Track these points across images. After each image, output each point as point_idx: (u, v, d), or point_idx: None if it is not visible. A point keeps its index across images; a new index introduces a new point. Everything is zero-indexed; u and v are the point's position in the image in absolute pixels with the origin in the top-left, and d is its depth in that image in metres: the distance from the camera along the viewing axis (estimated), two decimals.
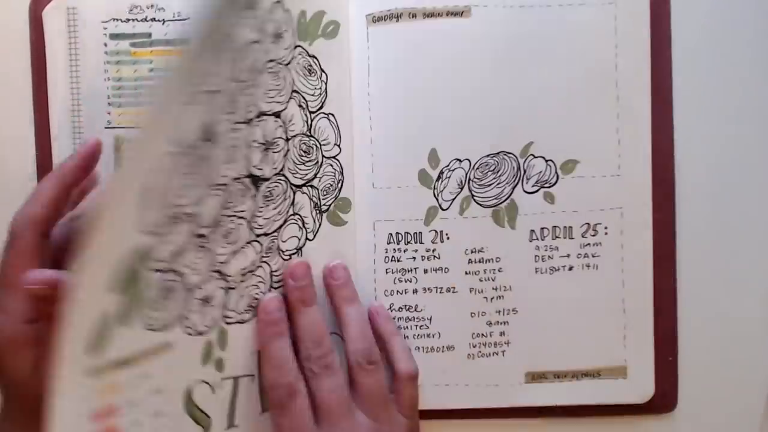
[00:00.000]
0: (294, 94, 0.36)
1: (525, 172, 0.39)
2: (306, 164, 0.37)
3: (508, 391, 0.40)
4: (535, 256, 0.39)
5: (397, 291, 0.39)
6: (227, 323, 0.34)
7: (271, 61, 0.34)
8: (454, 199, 0.39)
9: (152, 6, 0.39)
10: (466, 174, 0.39)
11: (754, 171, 0.41)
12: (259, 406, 0.37)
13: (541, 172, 0.39)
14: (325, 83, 0.38)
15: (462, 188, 0.39)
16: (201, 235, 0.31)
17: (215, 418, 0.35)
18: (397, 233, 0.39)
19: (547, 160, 0.39)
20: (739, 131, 0.40)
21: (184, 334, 0.32)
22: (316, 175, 0.38)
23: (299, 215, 0.37)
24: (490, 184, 0.39)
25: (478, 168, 0.39)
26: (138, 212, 0.27)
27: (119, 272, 0.27)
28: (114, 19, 0.39)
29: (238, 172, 0.33)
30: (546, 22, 0.39)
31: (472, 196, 0.39)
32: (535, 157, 0.39)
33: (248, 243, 0.35)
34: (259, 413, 0.37)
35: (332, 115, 0.38)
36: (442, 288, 0.39)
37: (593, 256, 0.39)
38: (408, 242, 0.39)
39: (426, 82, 0.39)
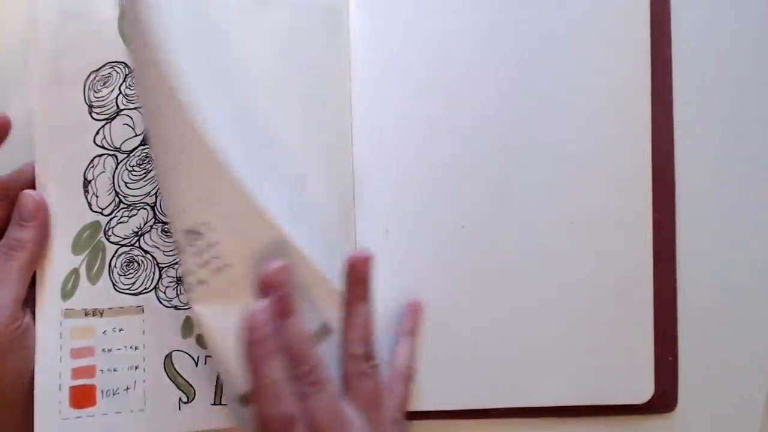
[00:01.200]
0: None
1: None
2: None
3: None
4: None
5: None
6: None
7: None
8: None
9: None
10: None
11: (754, 171, 0.41)
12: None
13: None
14: None
15: None
16: (165, 222, 0.37)
17: (200, 390, 0.37)
18: None
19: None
20: (739, 131, 0.40)
21: (159, 304, 0.37)
22: None
23: None
24: None
25: None
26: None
27: (78, 238, 0.36)
28: None
29: None
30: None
31: None
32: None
33: None
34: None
35: None
36: None
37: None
38: None
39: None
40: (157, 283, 0.37)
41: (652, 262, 0.39)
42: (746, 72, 0.40)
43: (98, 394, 0.36)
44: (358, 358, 0.34)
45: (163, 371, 0.37)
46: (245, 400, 0.34)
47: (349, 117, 0.39)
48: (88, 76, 0.37)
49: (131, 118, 0.37)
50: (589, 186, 0.39)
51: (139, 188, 0.37)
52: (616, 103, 0.39)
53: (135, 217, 0.37)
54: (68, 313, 0.36)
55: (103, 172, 0.37)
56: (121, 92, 0.37)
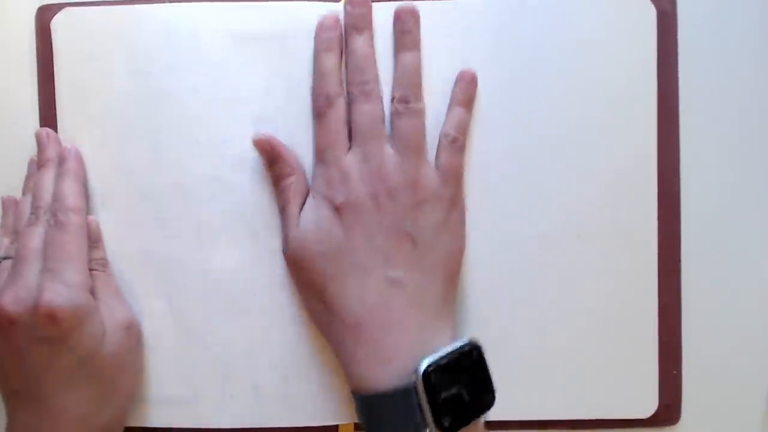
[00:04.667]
0: None
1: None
2: None
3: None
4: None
5: None
6: None
7: None
8: None
9: None
10: None
11: (760, 183, 0.40)
12: None
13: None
14: None
15: None
16: None
17: None
18: None
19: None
20: (745, 144, 0.40)
21: None
22: None
23: None
24: None
25: None
26: None
27: None
28: None
29: None
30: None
31: None
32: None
33: None
34: None
35: None
36: None
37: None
38: None
39: None
40: None
41: (657, 276, 0.39)
42: (752, 85, 0.40)
43: None
44: (398, 100, 0.37)
45: None
46: None
47: None
48: None
49: None
50: (595, 200, 0.39)
51: None
52: (622, 116, 0.39)
53: None
54: None
55: None
56: None
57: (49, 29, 0.39)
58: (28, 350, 0.34)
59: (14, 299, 0.33)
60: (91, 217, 0.39)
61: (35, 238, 0.36)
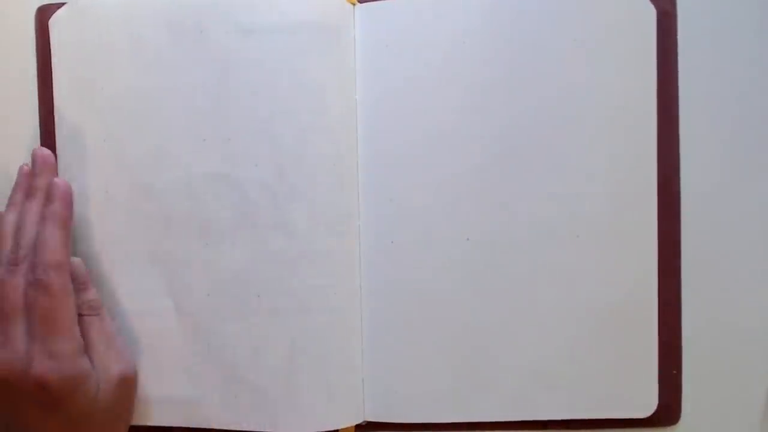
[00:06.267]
0: None
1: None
2: None
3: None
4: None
5: None
6: None
7: None
8: None
9: None
10: None
11: (760, 184, 0.40)
12: None
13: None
14: None
15: None
16: None
17: None
18: None
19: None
20: (744, 144, 0.40)
21: None
22: None
23: None
24: None
25: None
26: None
27: None
28: None
29: None
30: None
31: None
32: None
33: None
34: None
35: None
36: None
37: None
38: None
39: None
40: None
41: (657, 275, 0.39)
42: (752, 85, 0.40)
43: None
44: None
45: None
46: None
47: (354, 129, 0.39)
48: None
49: None
50: (595, 199, 0.39)
51: None
52: (622, 116, 0.39)
53: None
54: None
55: None
56: None
57: (48, 27, 0.39)
58: (22, 408, 0.34)
59: (4, 363, 0.33)
60: (75, 259, 0.37)
61: (17, 291, 0.34)
